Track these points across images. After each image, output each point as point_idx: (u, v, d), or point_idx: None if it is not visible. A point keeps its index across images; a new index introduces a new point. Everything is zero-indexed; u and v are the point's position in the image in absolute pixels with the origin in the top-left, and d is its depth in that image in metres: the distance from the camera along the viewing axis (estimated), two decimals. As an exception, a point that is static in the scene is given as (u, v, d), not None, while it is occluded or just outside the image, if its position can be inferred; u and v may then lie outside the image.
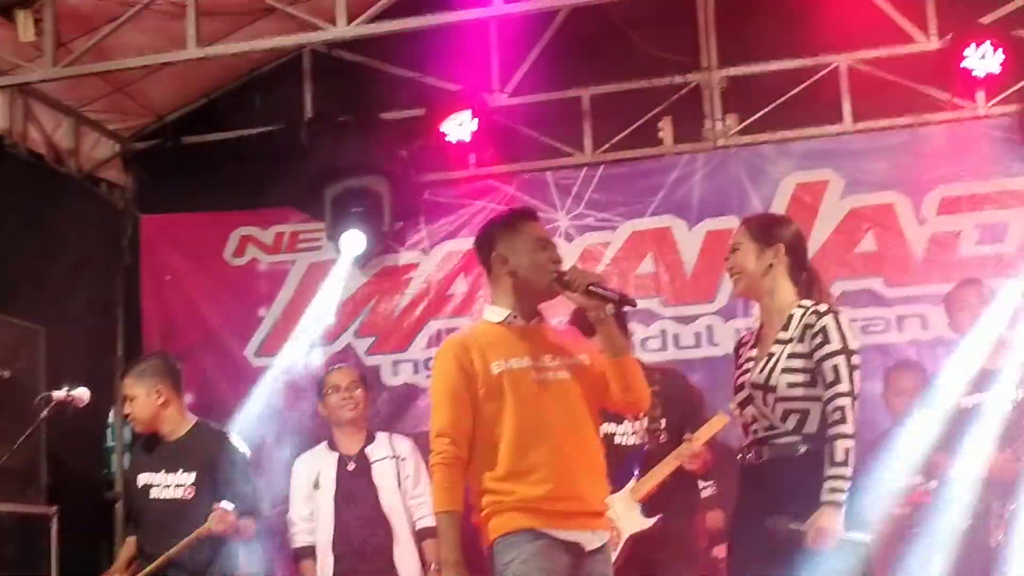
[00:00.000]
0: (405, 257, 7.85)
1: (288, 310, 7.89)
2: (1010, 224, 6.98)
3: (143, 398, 5.62)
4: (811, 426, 4.14)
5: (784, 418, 4.13)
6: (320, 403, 6.23)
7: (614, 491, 5.38)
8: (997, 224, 7.02)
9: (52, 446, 6.53)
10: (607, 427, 5.45)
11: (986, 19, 7.12)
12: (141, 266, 8.04)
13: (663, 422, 5.46)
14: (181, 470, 5.54)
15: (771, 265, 4.25)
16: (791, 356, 4.15)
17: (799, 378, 4.14)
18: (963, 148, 7.17)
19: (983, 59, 6.88)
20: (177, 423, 5.68)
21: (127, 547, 5.75)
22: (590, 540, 3.93)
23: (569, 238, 7.59)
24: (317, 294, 7.75)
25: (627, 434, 5.54)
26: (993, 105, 7.18)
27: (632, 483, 5.42)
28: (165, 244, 8.07)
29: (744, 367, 4.26)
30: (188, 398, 7.65)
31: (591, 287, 3.91)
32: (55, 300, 7.22)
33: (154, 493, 5.57)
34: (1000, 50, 6.86)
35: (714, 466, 5.53)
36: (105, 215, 8.04)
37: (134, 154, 8.18)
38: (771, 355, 4.18)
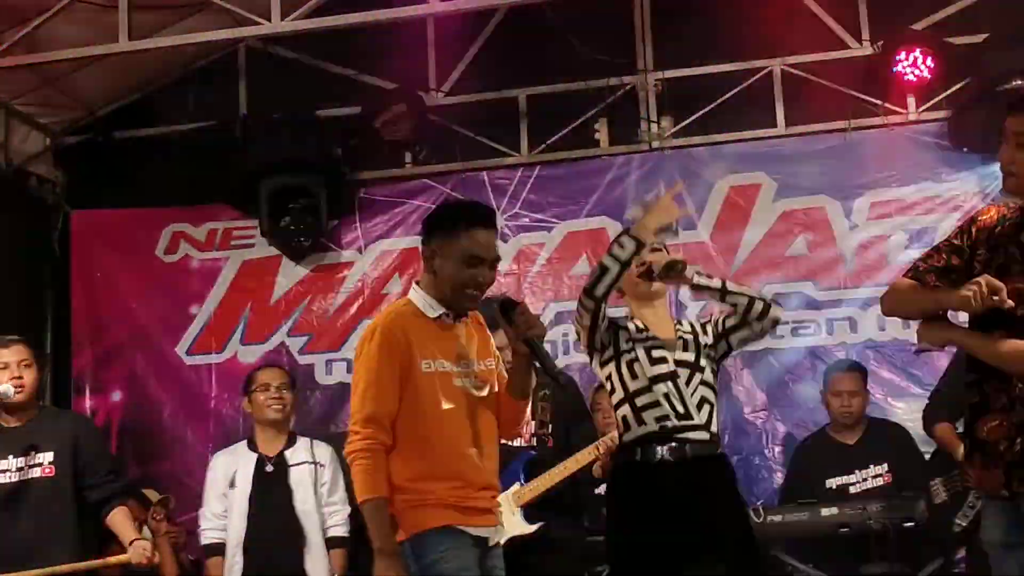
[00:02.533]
0: (340, 255, 7.82)
1: (221, 307, 7.83)
2: (939, 229, 7.05)
3: (36, 373, 5.57)
4: (715, 424, 4.26)
5: (699, 407, 4.20)
6: (246, 400, 6.15)
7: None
8: (926, 229, 7.11)
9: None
10: None
11: (918, 25, 7.23)
12: (71, 262, 7.93)
13: (550, 427, 5.47)
14: (34, 451, 5.48)
15: None
16: (707, 347, 4.31)
17: (715, 368, 4.33)
18: (894, 153, 7.26)
19: (914, 65, 6.97)
20: (29, 409, 5.59)
21: None
22: (494, 535, 3.92)
23: (505, 238, 7.59)
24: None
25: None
26: (924, 111, 7.30)
27: (516, 487, 5.40)
28: (96, 240, 7.96)
29: (649, 344, 4.26)
30: (117, 395, 7.67)
31: (531, 340, 3.83)
32: (-18, 295, 7.12)
33: (3, 479, 5.46)
34: (931, 56, 6.95)
35: None
36: (35, 210, 7.93)
37: (65, 148, 8.06)
38: (684, 341, 4.29)
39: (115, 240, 7.99)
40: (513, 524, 5.36)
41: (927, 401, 6.11)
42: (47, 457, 5.49)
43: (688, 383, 4.21)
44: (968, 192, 7.10)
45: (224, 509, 5.94)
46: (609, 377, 4.33)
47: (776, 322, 4.32)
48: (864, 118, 7.34)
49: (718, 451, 4.28)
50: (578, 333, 4.35)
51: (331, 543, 5.94)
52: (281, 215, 7.43)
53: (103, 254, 7.95)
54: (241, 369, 7.44)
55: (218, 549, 5.94)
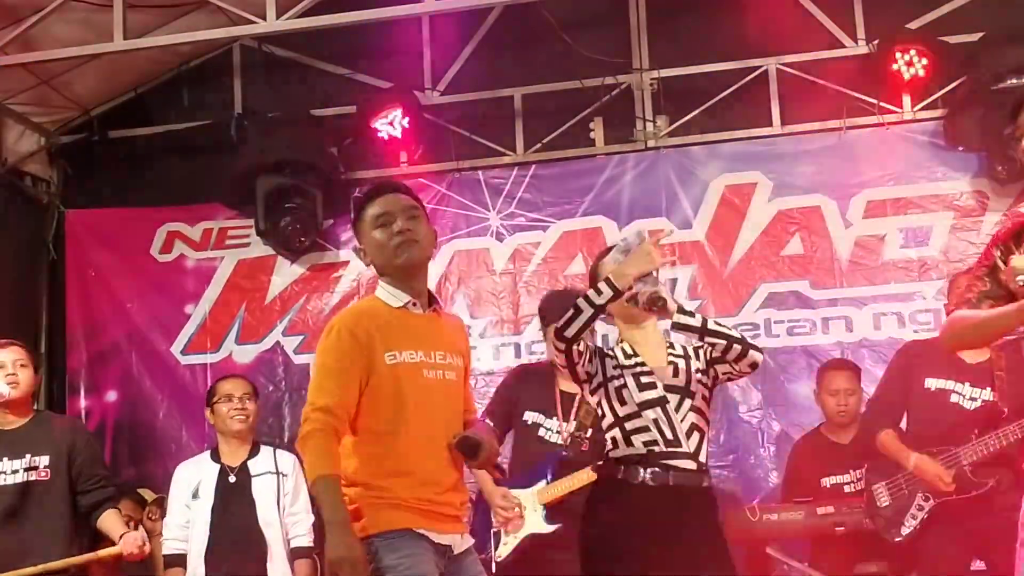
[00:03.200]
0: (335, 255, 7.80)
1: (216, 307, 7.82)
2: (934, 228, 7.08)
3: (31, 373, 5.62)
4: (704, 454, 4.18)
5: (689, 434, 4.12)
6: (208, 411, 6.06)
7: (524, 486, 5.41)
8: (921, 228, 7.11)
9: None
10: (535, 417, 5.48)
11: (913, 24, 7.24)
12: (66, 261, 7.93)
13: (590, 431, 5.40)
14: (29, 455, 5.50)
15: None
16: (699, 372, 4.23)
17: (707, 394, 4.24)
18: (889, 152, 7.25)
19: (910, 64, 6.98)
20: (25, 413, 5.65)
21: None
22: (460, 543, 3.82)
23: (500, 237, 7.60)
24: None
25: (552, 431, 5.53)
26: (919, 110, 7.28)
27: (542, 484, 5.41)
28: (90, 239, 7.96)
29: (637, 370, 4.20)
30: (112, 395, 7.66)
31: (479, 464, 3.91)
32: (-24, 295, 7.11)
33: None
34: (927, 55, 6.96)
35: None
36: (29, 209, 7.93)
37: (60, 148, 8.07)
38: (674, 365, 4.22)
39: (110, 239, 7.98)
40: (533, 522, 5.39)
41: (864, 409, 6.09)
42: (43, 461, 5.51)
43: (678, 409, 4.14)
44: (964, 191, 7.10)
45: (186, 520, 5.84)
46: (599, 404, 4.24)
47: (755, 365, 4.22)
48: (860, 117, 7.32)
49: (703, 483, 4.17)
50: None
51: (295, 553, 5.86)
52: (276, 214, 7.41)
53: (98, 253, 7.95)
54: (236, 369, 7.44)
55: (178, 560, 5.85)
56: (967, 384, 5.51)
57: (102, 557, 5.44)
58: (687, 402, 4.15)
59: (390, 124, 7.38)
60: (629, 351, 4.26)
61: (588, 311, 4.00)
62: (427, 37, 7.83)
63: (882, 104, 7.28)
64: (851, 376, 6.32)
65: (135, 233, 7.96)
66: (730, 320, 7.17)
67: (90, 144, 7.98)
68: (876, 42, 7.22)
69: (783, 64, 7.48)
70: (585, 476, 5.25)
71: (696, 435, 4.15)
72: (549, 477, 5.39)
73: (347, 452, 3.70)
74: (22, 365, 5.57)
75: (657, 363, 4.22)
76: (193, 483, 5.90)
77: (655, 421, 4.11)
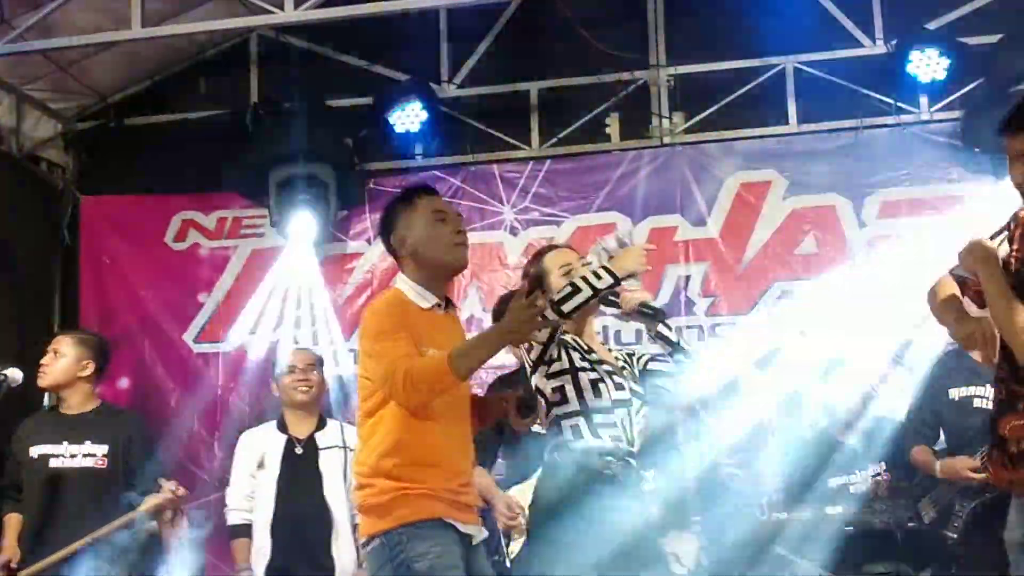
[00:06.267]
0: (349, 246, 7.82)
1: (229, 296, 7.83)
2: (950, 229, 7.04)
3: (70, 361, 5.73)
4: None
5: (638, 437, 4.16)
6: (274, 382, 6.11)
7: (517, 482, 5.42)
8: (936, 229, 7.08)
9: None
10: None
11: (932, 25, 7.20)
12: (80, 248, 7.95)
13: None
14: (88, 441, 5.63)
15: None
16: (636, 380, 4.28)
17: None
18: (905, 152, 7.23)
19: (928, 65, 6.95)
20: (84, 401, 5.78)
21: (12, 523, 5.67)
22: (477, 534, 3.89)
23: (514, 232, 7.60)
24: (267, 279, 7.73)
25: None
26: (937, 110, 7.27)
27: (534, 479, 5.43)
28: (105, 226, 7.98)
29: (606, 368, 4.19)
30: (125, 382, 7.68)
31: None
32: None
33: (55, 463, 5.61)
34: (945, 56, 6.93)
35: None
36: (45, 195, 7.95)
37: (76, 134, 8.10)
38: (624, 370, 4.24)
39: (124, 227, 8.00)
40: None
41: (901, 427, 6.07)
42: (102, 450, 5.64)
43: (636, 413, 4.17)
44: (980, 192, 7.06)
45: (252, 490, 5.86)
46: (559, 389, 4.14)
47: None
48: (876, 117, 7.32)
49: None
50: (527, 348, 4.17)
51: (359, 529, 5.91)
52: (290, 205, 7.41)
53: (112, 240, 7.97)
54: (249, 358, 7.46)
55: (244, 530, 5.86)
56: (987, 386, 5.53)
57: (141, 510, 5.53)
58: (643, 408, 4.21)
59: (406, 116, 7.37)
60: (584, 346, 4.23)
61: (587, 291, 4.01)
62: (444, 30, 7.83)
63: (899, 104, 7.27)
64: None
65: (150, 221, 7.99)
66: (742, 318, 7.21)
67: (106, 131, 8.01)
68: (894, 42, 7.18)
69: (800, 63, 7.46)
70: None
71: (639, 439, 4.18)
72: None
73: (381, 430, 3.76)
74: (59, 355, 5.73)
75: (617, 365, 4.25)
76: (258, 453, 5.91)
77: (622, 420, 4.13)
